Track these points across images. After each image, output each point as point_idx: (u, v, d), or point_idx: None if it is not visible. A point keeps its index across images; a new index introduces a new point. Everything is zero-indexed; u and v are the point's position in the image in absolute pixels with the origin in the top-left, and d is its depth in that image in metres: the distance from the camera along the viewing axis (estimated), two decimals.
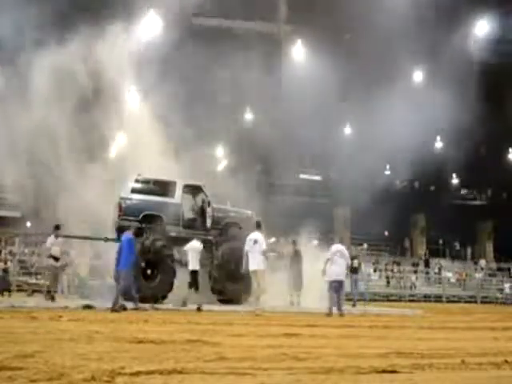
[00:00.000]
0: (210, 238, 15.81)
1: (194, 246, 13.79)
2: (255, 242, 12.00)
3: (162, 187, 15.75)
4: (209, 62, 22.65)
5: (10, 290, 19.30)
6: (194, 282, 13.70)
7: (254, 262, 11.93)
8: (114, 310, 11.72)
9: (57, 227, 13.81)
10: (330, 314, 12.29)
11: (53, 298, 13.78)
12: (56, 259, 13.55)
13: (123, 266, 12.22)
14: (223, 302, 15.04)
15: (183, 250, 14.40)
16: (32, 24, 17.14)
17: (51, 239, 13.86)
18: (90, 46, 17.38)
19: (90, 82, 17.43)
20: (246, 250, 12.10)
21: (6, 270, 20.19)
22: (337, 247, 12.88)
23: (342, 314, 12.49)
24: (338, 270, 12.66)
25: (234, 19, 27.29)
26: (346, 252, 13.02)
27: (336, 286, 12.62)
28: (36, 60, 16.80)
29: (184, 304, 13.58)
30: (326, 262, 12.63)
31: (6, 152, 16.95)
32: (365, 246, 37.31)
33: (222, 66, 25.11)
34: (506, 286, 33.21)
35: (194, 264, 13.65)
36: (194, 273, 13.75)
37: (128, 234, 12.72)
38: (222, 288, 15.27)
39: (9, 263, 20.95)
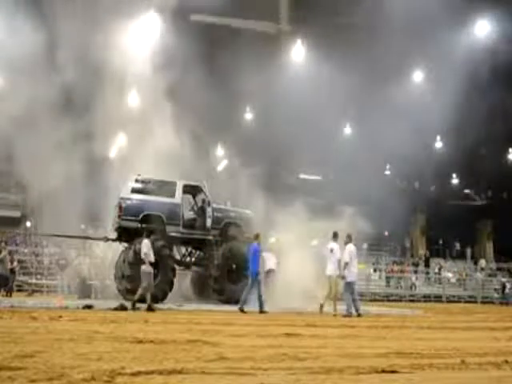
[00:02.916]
0: (209, 238, 15.82)
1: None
2: (332, 250, 12.93)
3: (162, 187, 15.74)
4: (207, 60, 22.62)
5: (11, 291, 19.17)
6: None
7: (330, 268, 12.88)
8: (261, 311, 12.62)
9: (151, 231, 13.25)
10: (350, 315, 12.41)
11: (150, 308, 12.34)
12: (152, 264, 12.70)
13: (251, 275, 13.17)
14: (223, 302, 15.03)
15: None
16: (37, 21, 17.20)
17: (147, 244, 12.85)
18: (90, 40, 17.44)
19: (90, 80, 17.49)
20: (324, 256, 13.09)
21: (13, 271, 19.80)
22: (351, 247, 13.00)
23: (360, 315, 12.57)
24: (356, 270, 13.18)
25: (234, 17, 27.19)
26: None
27: (355, 287, 13.01)
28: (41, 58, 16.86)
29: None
30: (344, 265, 12.77)
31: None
32: (365, 245, 37.29)
33: (221, 65, 25.09)
34: (506, 285, 33.21)
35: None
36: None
37: (255, 244, 13.54)
38: (222, 288, 15.28)
39: (15, 263, 20.54)
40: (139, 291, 12.58)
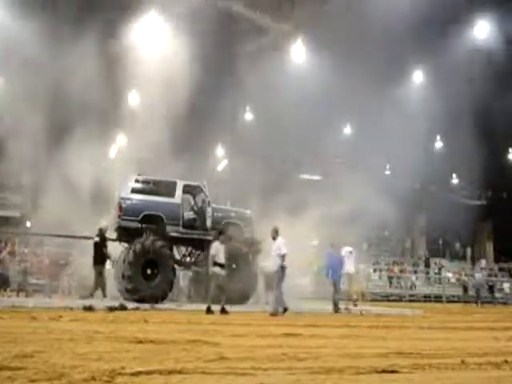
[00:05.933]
0: (209, 238, 15.81)
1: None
2: (351, 252, 15.66)
3: (162, 187, 15.74)
4: (207, 59, 22.60)
5: (6, 290, 18.93)
6: None
7: (350, 267, 15.44)
8: (336, 311, 14.04)
9: (220, 233, 12.93)
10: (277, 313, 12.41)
11: (224, 311, 12.00)
12: (222, 266, 12.35)
13: (335, 277, 14.62)
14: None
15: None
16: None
17: (217, 245, 12.58)
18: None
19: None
20: (343, 257, 15.27)
21: (25, 271, 19.49)
22: (282, 240, 13.06)
23: (285, 310, 12.71)
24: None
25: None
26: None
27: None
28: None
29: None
30: (283, 257, 12.90)
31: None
32: (365, 246, 37.29)
33: (220, 64, 25.10)
34: (506, 285, 33.21)
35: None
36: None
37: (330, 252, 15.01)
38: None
39: (28, 264, 20.14)
40: (209, 293, 12.32)
